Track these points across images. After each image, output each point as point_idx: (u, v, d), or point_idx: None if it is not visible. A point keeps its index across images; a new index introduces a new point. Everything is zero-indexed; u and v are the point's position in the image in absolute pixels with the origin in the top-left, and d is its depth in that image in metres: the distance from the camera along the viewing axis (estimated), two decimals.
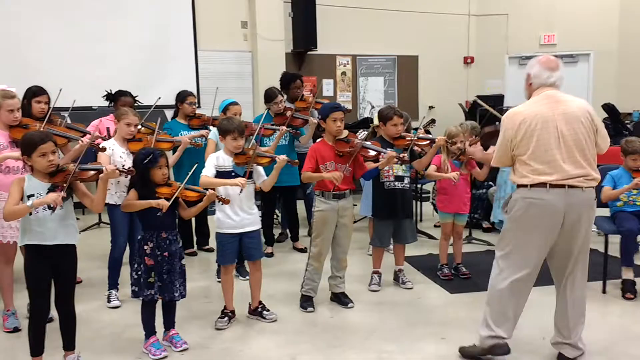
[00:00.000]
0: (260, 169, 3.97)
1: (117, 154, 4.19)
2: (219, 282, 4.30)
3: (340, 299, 4.31)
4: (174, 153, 5.06)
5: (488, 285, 3.41)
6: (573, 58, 10.40)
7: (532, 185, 3.19)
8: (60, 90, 4.35)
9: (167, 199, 3.35)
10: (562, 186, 3.14)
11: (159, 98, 4.92)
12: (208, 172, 3.77)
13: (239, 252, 3.97)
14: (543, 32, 10.49)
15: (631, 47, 9.99)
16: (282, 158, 3.91)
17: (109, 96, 5.28)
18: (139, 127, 4.48)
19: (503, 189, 5.08)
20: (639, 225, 4.38)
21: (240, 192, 3.72)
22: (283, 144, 5.42)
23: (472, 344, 3.45)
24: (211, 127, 5.25)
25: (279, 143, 5.29)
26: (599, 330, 3.74)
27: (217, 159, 3.83)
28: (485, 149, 4.61)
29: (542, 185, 3.16)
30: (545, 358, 3.41)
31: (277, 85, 5.86)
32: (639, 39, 9.86)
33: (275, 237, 6.03)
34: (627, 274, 4.40)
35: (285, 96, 5.75)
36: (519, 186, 3.28)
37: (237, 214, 3.84)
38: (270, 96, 5.56)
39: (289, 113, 5.47)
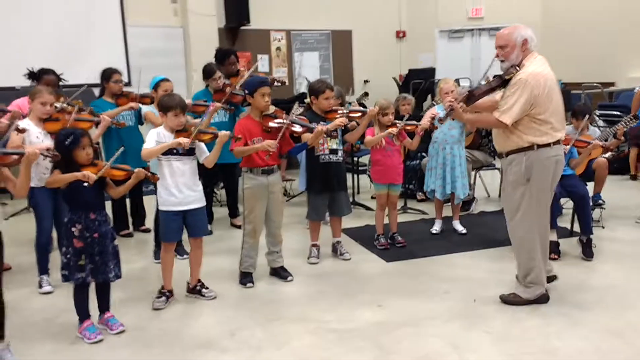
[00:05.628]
0: (203, 145, 3.92)
1: (32, 135, 4.00)
2: (157, 263, 4.24)
3: (280, 273, 4.34)
4: None
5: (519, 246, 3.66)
6: (499, 31, 10.65)
7: (554, 143, 3.40)
8: None
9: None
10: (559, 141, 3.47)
11: (85, 86, 4.76)
12: (149, 145, 3.69)
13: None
14: (471, 5, 10.71)
15: (554, 19, 10.35)
16: (223, 133, 3.87)
17: (32, 75, 5.04)
18: (66, 105, 4.31)
19: (435, 159, 5.21)
20: (561, 189, 4.60)
21: (181, 152, 3.69)
22: (223, 120, 5.38)
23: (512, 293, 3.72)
24: (141, 105, 5.12)
25: (220, 120, 5.26)
26: None
27: (158, 134, 3.75)
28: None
29: (558, 142, 3.43)
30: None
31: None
32: (561, 10, 10.23)
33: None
34: (552, 235, 4.61)
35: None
36: (539, 146, 3.38)
37: (181, 191, 3.78)
38: (209, 72, 5.48)
39: (228, 89, 5.40)
